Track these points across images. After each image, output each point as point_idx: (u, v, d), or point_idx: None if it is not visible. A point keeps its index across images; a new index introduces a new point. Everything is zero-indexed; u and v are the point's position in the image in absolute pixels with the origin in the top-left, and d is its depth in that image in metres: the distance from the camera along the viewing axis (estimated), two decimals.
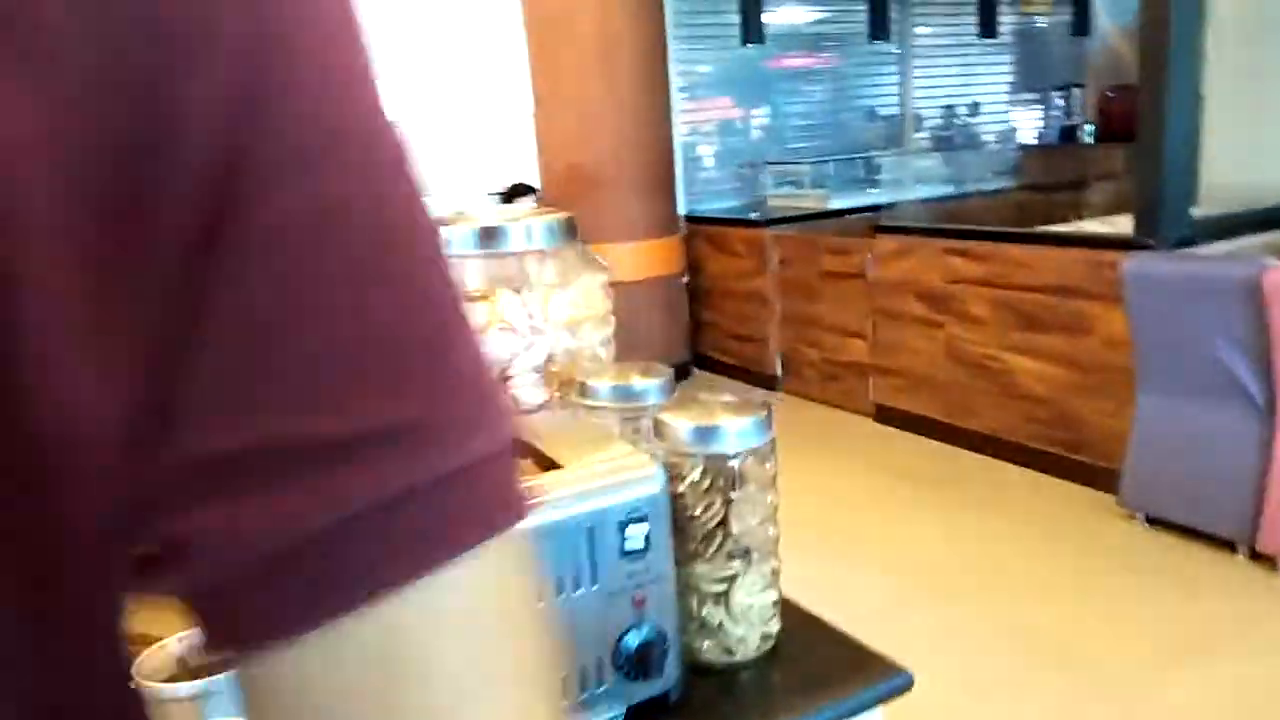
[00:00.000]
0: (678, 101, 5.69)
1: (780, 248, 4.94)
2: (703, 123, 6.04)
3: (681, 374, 5.37)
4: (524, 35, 4.92)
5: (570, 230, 1.05)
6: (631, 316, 5.20)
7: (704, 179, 5.97)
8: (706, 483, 0.77)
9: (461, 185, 4.88)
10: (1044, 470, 3.57)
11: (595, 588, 0.68)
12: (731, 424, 0.77)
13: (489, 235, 0.97)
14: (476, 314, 0.94)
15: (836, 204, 5.35)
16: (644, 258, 5.13)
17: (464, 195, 4.91)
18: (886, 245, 4.22)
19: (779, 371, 5.04)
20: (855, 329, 4.48)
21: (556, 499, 0.66)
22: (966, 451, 3.88)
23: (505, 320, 0.95)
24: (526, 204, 4.64)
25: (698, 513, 0.77)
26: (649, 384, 0.89)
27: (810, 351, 4.81)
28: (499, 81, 4.96)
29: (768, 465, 0.80)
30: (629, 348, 4.77)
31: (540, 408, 0.97)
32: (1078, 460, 3.45)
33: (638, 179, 5.04)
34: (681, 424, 0.77)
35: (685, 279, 5.48)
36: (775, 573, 0.81)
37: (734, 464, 0.78)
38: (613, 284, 4.26)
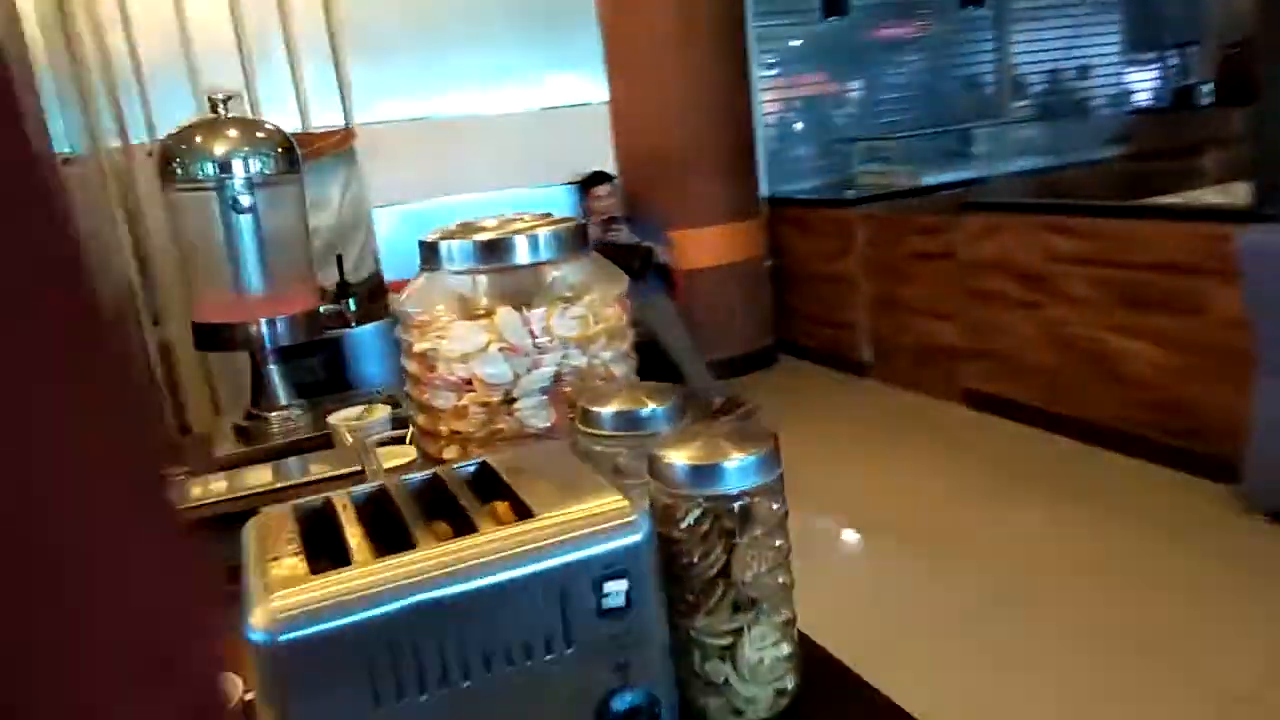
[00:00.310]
0: (762, 80, 5.54)
1: (866, 228, 4.75)
2: (790, 100, 5.85)
3: (766, 361, 5.24)
4: (597, 17, 4.85)
5: (580, 238, 0.98)
6: (713, 303, 5.11)
7: (791, 158, 5.79)
8: (705, 526, 0.69)
9: (538, 175, 4.86)
10: (1152, 460, 3.32)
11: (570, 651, 0.61)
12: (734, 460, 0.69)
13: (491, 249, 0.91)
14: (474, 335, 0.89)
15: (929, 180, 5.12)
16: (725, 242, 5.02)
17: (541, 184, 4.88)
18: (977, 223, 4.00)
19: (868, 358, 4.86)
20: (946, 311, 4.27)
21: (519, 554, 0.59)
22: (1066, 440, 3.65)
23: (506, 339, 0.89)
24: (604, 190, 4.57)
25: (696, 559, 0.69)
26: (656, 410, 0.81)
27: (900, 336, 4.61)
28: (574, 67, 4.90)
29: (775, 505, 0.72)
30: (710, 335, 4.70)
31: (547, 433, 0.90)
32: (1190, 449, 3.20)
33: (718, 161, 4.92)
34: (677, 461, 0.69)
35: (769, 263, 5.34)
36: (789, 624, 0.73)
37: (737, 505, 0.69)
38: (694, 269, 4.23)
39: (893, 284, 4.60)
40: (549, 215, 1.01)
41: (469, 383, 0.90)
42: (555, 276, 0.95)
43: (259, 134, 1.48)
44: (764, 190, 5.38)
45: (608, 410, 0.80)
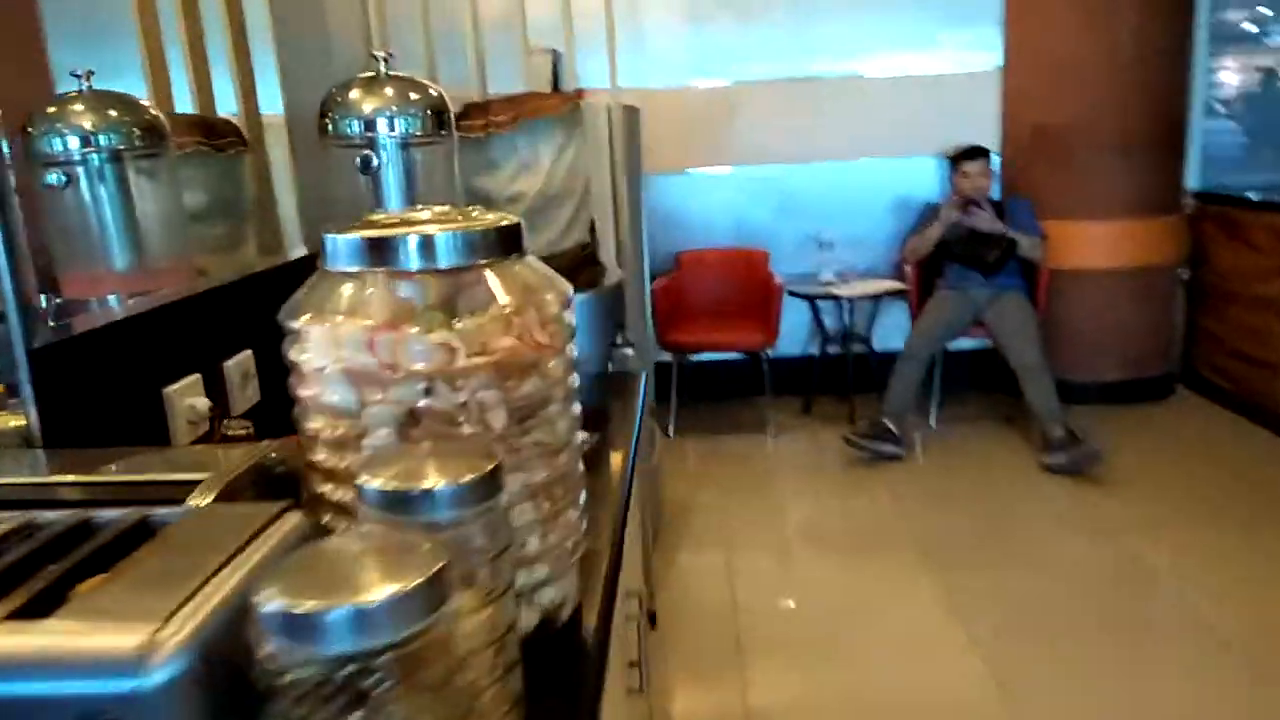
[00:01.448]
0: (1216, 45, 4.49)
1: None
2: (1252, 70, 4.70)
3: (1158, 392, 4.34)
4: None
5: (503, 246, 0.79)
6: (1094, 313, 4.30)
7: (1237, 145, 4.67)
8: (324, 690, 0.49)
9: (903, 145, 4.42)
10: None
11: None
12: (366, 602, 0.48)
13: (379, 248, 0.75)
14: (326, 350, 0.74)
15: None
16: (1127, 241, 4.20)
17: (903, 155, 4.44)
18: None
19: None
20: None
21: None
22: None
23: (351, 360, 0.73)
24: (976, 168, 4.02)
25: None
26: (439, 490, 0.62)
27: None
28: (963, 26, 4.35)
29: (436, 668, 0.49)
30: (1082, 352, 4.02)
31: None
32: None
33: (1130, 142, 4.10)
34: (271, 603, 0.48)
35: (1185, 272, 4.37)
36: None
37: (360, 667, 0.48)
38: (1074, 270, 3.63)
39: None
40: (480, 213, 0.83)
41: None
42: (463, 288, 0.77)
43: (412, 94, 1.45)
44: (1191, 183, 4.39)
45: (370, 484, 0.62)
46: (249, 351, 1.45)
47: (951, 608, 2.71)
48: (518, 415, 0.78)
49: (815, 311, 4.48)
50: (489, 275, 0.78)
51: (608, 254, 2.36)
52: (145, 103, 1.45)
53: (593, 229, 1.99)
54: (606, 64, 3.17)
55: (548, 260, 1.79)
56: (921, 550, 3.07)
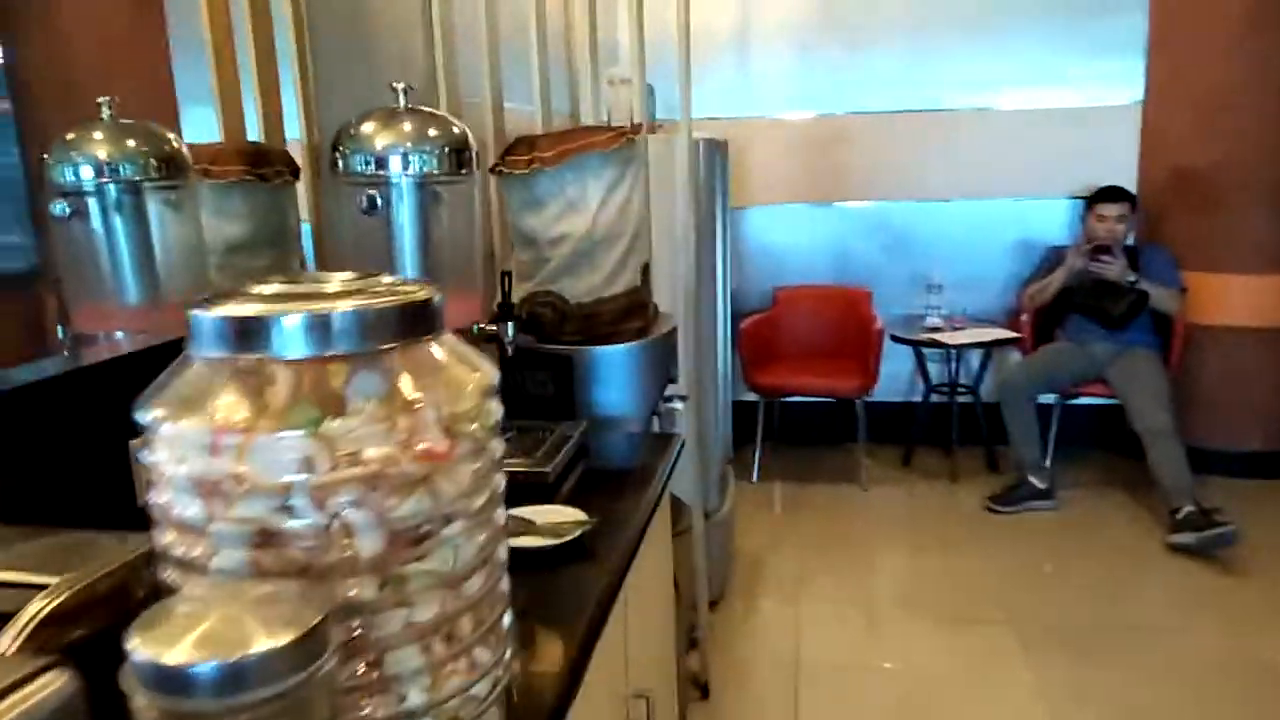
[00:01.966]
0: None
1: None
2: None
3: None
4: (1146, 6, 3.89)
5: (414, 326, 0.65)
6: (1242, 373, 3.86)
7: None
8: None
9: (1031, 184, 4.10)
10: None
11: None
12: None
13: (246, 331, 0.63)
14: (172, 447, 0.62)
15: None
16: (1274, 296, 3.76)
17: (1033, 195, 4.12)
18: None
19: None
20: None
21: None
22: None
23: (192, 467, 0.61)
24: (1114, 211, 3.67)
25: None
26: (244, 663, 0.48)
27: None
28: (1101, 57, 4.00)
29: None
30: (1228, 414, 3.63)
31: None
32: None
33: None
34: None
35: None
36: None
37: None
38: (1214, 327, 3.28)
39: None
40: (395, 283, 0.70)
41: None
42: (354, 379, 0.64)
43: (431, 130, 1.34)
44: None
45: (134, 648, 0.49)
46: None
47: (1049, 703, 2.41)
48: (406, 539, 0.64)
49: (919, 358, 4.20)
50: (385, 363, 0.64)
51: (671, 298, 2.21)
52: (167, 133, 1.39)
53: (645, 272, 1.84)
54: (700, 93, 3.02)
55: (591, 309, 1.66)
56: (1022, 629, 2.77)
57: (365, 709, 0.64)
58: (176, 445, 0.62)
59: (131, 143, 1.31)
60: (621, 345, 1.75)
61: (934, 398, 4.22)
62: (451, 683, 0.68)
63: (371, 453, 0.61)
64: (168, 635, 0.50)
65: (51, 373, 1.14)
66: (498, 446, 0.73)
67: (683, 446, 1.60)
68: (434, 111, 1.37)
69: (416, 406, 0.64)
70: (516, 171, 1.72)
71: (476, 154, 1.40)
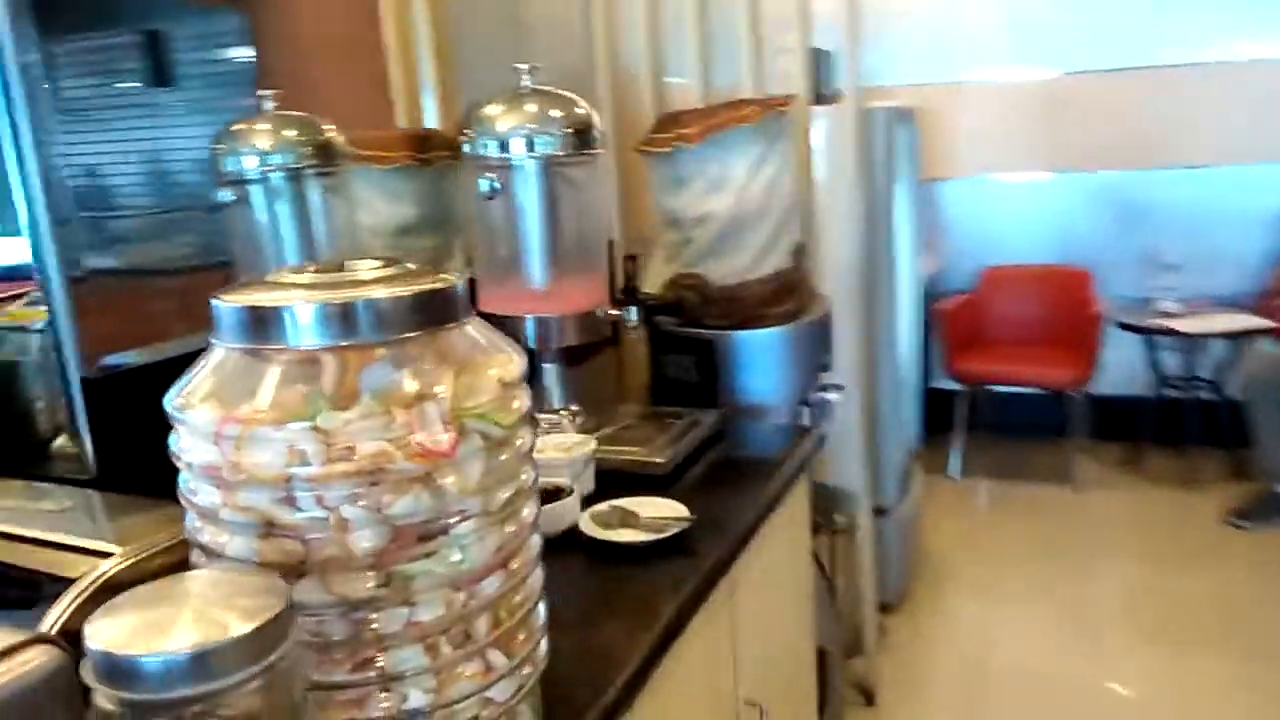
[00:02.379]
0: None
1: None
2: None
3: None
4: None
5: (432, 313, 0.63)
6: None
7: None
8: None
9: None
10: None
11: None
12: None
13: (262, 320, 0.63)
14: (193, 434, 0.63)
15: None
16: None
17: None
18: None
19: None
20: None
21: None
22: None
23: (200, 455, 0.61)
24: None
25: None
26: (145, 661, 0.48)
27: None
28: None
29: None
30: None
31: None
32: None
33: None
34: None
35: None
36: None
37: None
38: None
39: None
40: (404, 266, 0.68)
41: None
42: (369, 369, 0.62)
43: (553, 112, 1.32)
44: None
45: (91, 638, 0.50)
46: None
47: None
48: (412, 535, 0.62)
49: (1150, 347, 3.75)
50: (400, 354, 0.62)
51: (831, 276, 2.09)
52: (323, 123, 1.46)
53: (799, 253, 1.74)
54: (896, 57, 2.81)
55: (735, 291, 1.59)
56: (1260, 666, 2.42)
57: (367, 707, 0.63)
58: (191, 434, 0.63)
59: (290, 133, 1.38)
60: (764, 330, 1.67)
61: (1167, 392, 3.77)
62: (461, 685, 0.65)
63: (367, 447, 0.60)
64: (123, 625, 0.50)
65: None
66: (524, 439, 0.70)
67: (823, 441, 1.50)
68: (558, 92, 1.35)
69: (419, 400, 0.61)
70: (658, 150, 1.67)
71: (602, 134, 1.37)
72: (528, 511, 0.72)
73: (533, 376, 1.43)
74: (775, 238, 1.67)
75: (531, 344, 1.38)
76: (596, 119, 1.35)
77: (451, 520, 0.64)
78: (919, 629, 2.65)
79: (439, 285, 0.66)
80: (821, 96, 2.18)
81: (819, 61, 2.29)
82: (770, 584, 1.32)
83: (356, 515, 0.60)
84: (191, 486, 0.65)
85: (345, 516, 0.60)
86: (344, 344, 0.62)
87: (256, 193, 1.34)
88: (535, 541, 0.74)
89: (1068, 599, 2.81)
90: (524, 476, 0.70)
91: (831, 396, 1.77)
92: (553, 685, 0.79)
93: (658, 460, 1.28)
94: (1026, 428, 3.97)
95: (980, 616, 2.73)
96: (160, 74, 1.34)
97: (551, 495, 1.13)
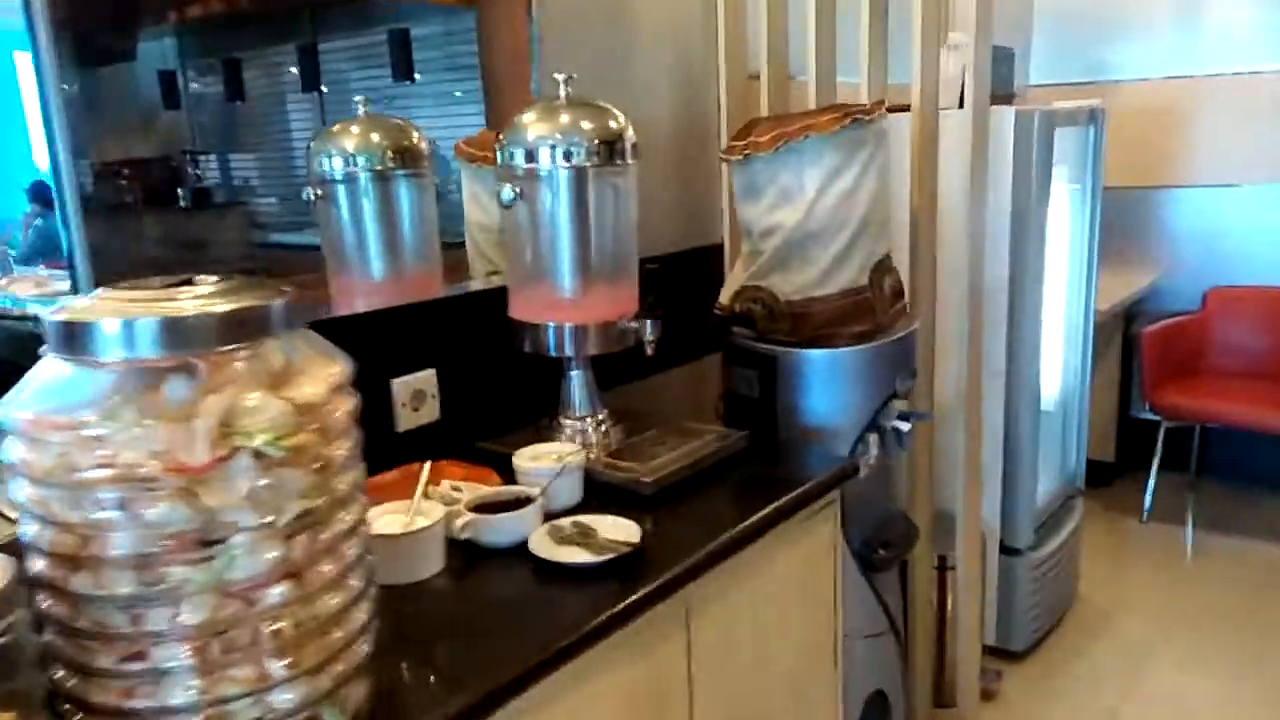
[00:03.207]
0: None
1: None
2: None
3: None
4: None
5: (204, 331, 0.67)
6: None
7: None
8: None
9: None
10: None
11: None
12: None
13: (69, 334, 0.69)
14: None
15: None
16: None
17: None
18: None
19: None
20: None
21: None
22: None
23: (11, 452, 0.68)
24: None
25: None
26: None
27: None
28: None
29: None
30: None
31: None
32: None
33: None
34: None
35: None
36: None
37: None
38: None
39: None
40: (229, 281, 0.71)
41: None
42: (168, 385, 0.67)
43: (584, 123, 1.32)
44: None
45: None
46: (432, 371, 1.49)
47: None
48: (188, 541, 0.66)
49: None
50: (195, 370, 0.67)
51: (932, 293, 1.92)
52: (410, 127, 1.54)
53: (880, 268, 1.63)
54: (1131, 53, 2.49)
55: (802, 307, 1.53)
56: None
57: (135, 696, 0.68)
58: (11, 431, 0.69)
59: (375, 136, 1.48)
60: (827, 350, 1.58)
61: None
62: (229, 687, 0.69)
63: (126, 457, 0.64)
64: None
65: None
66: (332, 456, 0.72)
67: (846, 476, 1.40)
68: (594, 103, 1.34)
69: (188, 417, 0.65)
70: (732, 157, 1.62)
71: (635, 146, 1.35)
72: (340, 528, 0.74)
73: (558, 383, 1.46)
74: (848, 252, 1.57)
75: (552, 351, 1.39)
76: (630, 132, 1.34)
77: (227, 532, 0.67)
78: (1045, 683, 2.40)
79: (251, 304, 0.69)
80: (996, 97, 2.01)
81: (998, 60, 2.11)
82: (757, 619, 1.26)
83: (117, 518, 0.65)
84: (4, 476, 0.72)
85: (109, 518, 0.65)
86: (140, 358, 0.67)
87: (340, 192, 1.45)
88: (355, 555, 0.76)
89: (1246, 677, 2.43)
90: (325, 495, 0.72)
91: (903, 426, 1.65)
92: (402, 695, 0.82)
93: (644, 480, 1.25)
94: (1260, 475, 3.45)
95: (1134, 678, 2.42)
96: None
97: (512, 505, 1.15)
